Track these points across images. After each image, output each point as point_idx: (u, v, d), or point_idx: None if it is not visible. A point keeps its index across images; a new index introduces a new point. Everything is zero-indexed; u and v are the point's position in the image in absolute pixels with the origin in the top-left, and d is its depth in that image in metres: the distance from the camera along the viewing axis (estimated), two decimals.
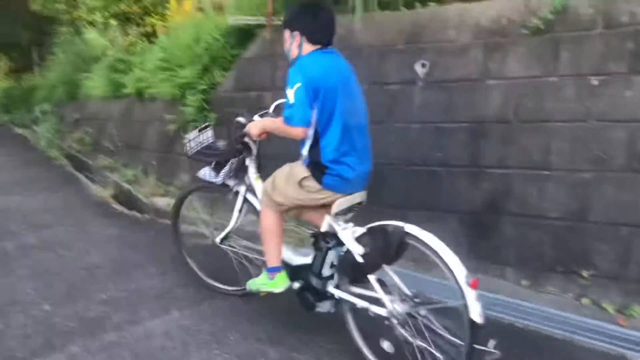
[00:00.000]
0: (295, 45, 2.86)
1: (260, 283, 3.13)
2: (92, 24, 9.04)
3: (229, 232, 3.46)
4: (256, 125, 3.07)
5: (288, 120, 2.75)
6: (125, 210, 6.04)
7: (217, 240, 3.50)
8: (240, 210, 3.40)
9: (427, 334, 2.58)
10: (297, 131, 2.73)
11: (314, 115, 2.72)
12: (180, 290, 3.73)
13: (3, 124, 12.97)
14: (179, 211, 3.82)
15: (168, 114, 6.48)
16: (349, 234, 2.82)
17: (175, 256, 4.00)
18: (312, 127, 2.75)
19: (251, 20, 5.83)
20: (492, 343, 2.45)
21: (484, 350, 2.44)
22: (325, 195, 2.86)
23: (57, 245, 4.59)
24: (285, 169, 2.98)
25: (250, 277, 3.29)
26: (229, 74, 6.05)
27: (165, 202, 5.87)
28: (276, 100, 3.37)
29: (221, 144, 3.42)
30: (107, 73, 8.52)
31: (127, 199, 6.29)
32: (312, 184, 2.84)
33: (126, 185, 6.47)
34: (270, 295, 3.11)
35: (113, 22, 8.52)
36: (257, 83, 5.69)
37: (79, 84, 9.60)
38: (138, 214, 5.88)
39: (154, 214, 5.76)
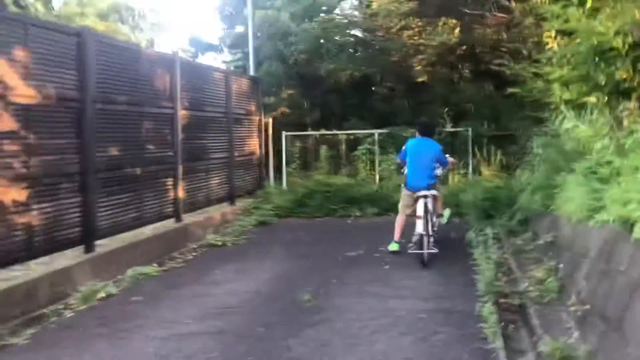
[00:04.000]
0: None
1: None
2: (575, 105, 6.04)
3: None
4: None
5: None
6: None
7: None
8: None
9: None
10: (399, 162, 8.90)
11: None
12: None
13: (462, 238, 9.01)
14: None
15: None
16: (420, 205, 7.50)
17: None
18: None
19: None
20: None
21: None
22: (409, 193, 7.92)
23: None
24: (402, 191, 8.33)
25: None
26: None
27: None
28: None
29: None
30: (584, 180, 5.32)
31: None
32: (404, 189, 8.17)
33: None
34: None
35: (593, 99, 5.28)
36: None
37: (554, 192, 6.65)
38: None
39: None
